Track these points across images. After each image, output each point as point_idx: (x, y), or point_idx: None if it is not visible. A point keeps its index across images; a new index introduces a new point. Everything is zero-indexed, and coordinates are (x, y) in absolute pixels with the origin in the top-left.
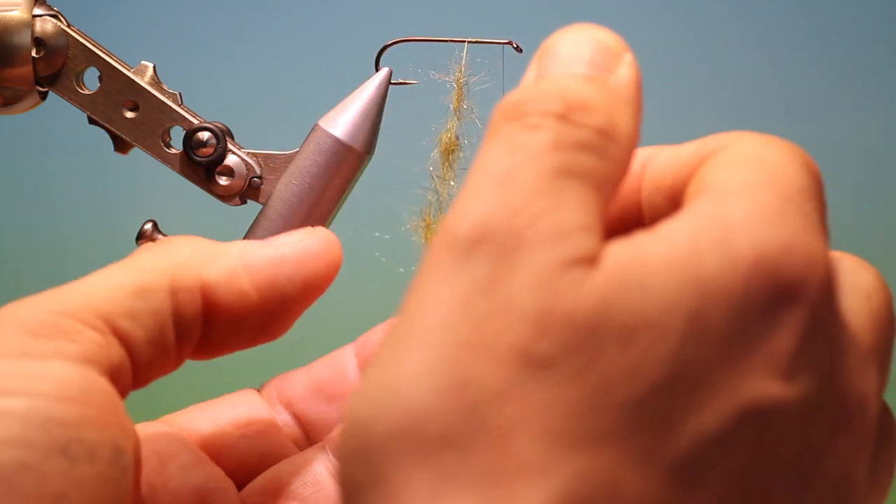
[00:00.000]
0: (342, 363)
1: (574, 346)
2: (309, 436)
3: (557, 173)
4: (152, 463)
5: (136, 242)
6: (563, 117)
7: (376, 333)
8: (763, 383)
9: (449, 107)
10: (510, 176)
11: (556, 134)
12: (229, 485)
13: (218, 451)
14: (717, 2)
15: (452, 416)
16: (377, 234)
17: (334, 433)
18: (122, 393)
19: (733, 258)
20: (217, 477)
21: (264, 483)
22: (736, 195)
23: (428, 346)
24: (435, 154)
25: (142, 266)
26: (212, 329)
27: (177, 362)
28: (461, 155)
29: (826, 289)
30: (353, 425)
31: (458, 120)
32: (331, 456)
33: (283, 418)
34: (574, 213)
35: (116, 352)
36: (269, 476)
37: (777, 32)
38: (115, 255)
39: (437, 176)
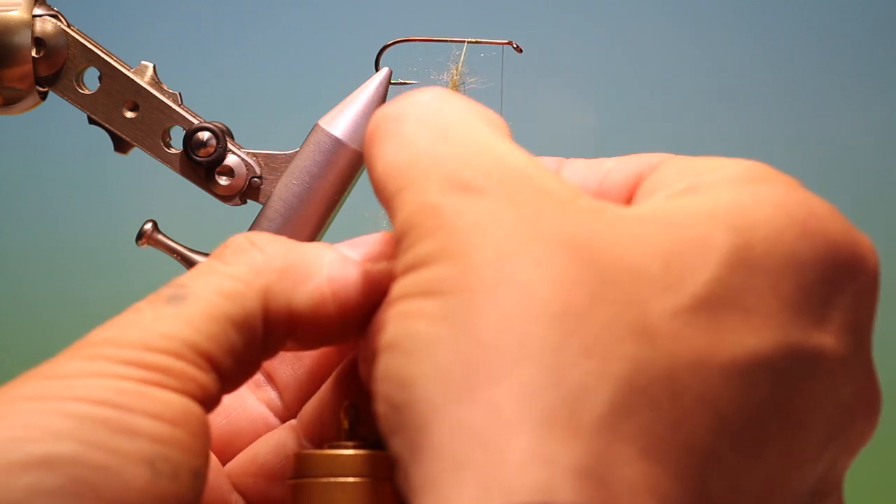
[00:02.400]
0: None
1: (611, 256)
2: (283, 397)
3: (491, 127)
4: None
5: (136, 242)
6: None
7: None
8: (816, 331)
9: None
10: (447, 139)
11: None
12: (215, 461)
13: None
14: (717, 2)
15: (520, 302)
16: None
17: (305, 410)
18: (208, 411)
19: (785, 213)
20: (213, 463)
21: (243, 463)
22: (763, 173)
23: (469, 264)
24: None
25: (237, 290)
26: (285, 343)
27: (254, 373)
28: None
29: (877, 264)
30: (407, 340)
31: None
32: (300, 435)
33: (257, 377)
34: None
35: (213, 384)
36: (246, 456)
37: (777, 32)
38: (115, 255)
39: None
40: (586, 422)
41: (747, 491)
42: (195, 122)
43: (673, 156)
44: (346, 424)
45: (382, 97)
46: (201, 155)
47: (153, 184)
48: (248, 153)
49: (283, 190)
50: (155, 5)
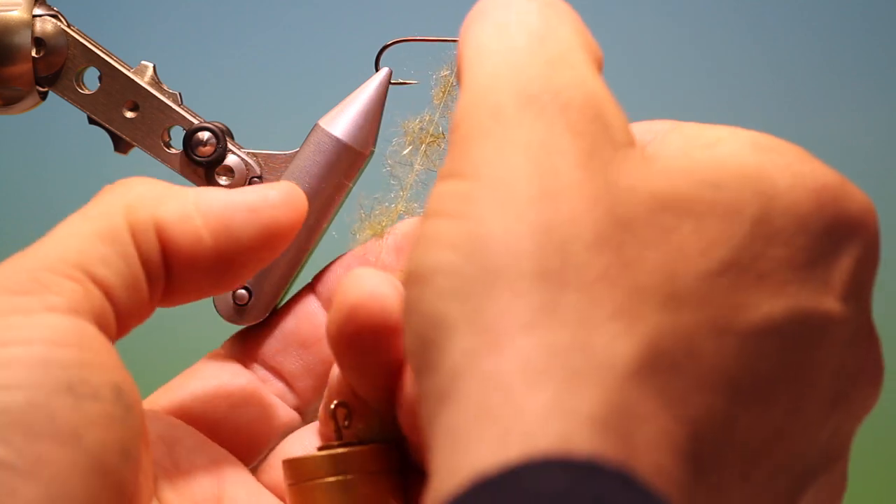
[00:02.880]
0: (306, 309)
1: (648, 212)
2: (293, 387)
3: (585, 53)
4: (160, 448)
5: None
6: None
7: (335, 270)
8: (822, 296)
9: (435, 101)
10: (543, 39)
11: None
12: (238, 463)
13: (209, 428)
14: (717, 2)
15: (546, 255)
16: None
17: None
18: (111, 339)
19: (801, 183)
20: (225, 456)
21: (273, 464)
22: (776, 142)
23: (510, 197)
24: (407, 144)
25: (99, 211)
26: (172, 271)
27: (150, 308)
28: (433, 149)
29: (877, 230)
30: (439, 273)
31: (437, 114)
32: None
33: (261, 373)
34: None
35: (98, 299)
36: (276, 456)
37: (777, 32)
38: None
39: (403, 164)
40: (609, 379)
41: (758, 451)
42: (195, 122)
43: (683, 122)
44: (336, 424)
45: (382, 97)
46: (201, 155)
47: None
48: (248, 153)
49: None
50: (155, 5)
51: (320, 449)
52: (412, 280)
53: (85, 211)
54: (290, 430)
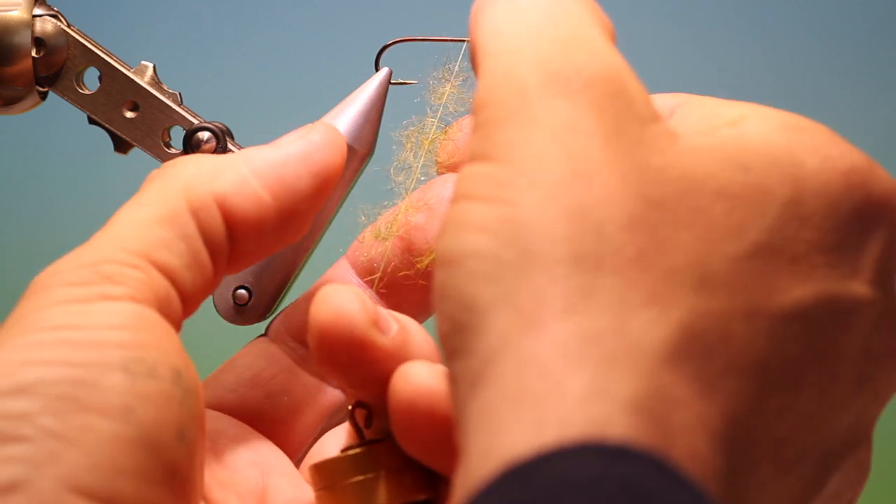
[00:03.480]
0: (339, 279)
1: (679, 193)
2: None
3: (595, 19)
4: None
5: None
6: None
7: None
8: (850, 280)
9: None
10: (557, 17)
11: None
12: (281, 454)
13: (249, 420)
14: (717, 2)
15: (581, 238)
16: None
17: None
18: (175, 323)
19: (831, 165)
20: (268, 447)
21: (314, 455)
22: (803, 121)
23: (542, 180)
24: (409, 146)
25: (155, 196)
26: (237, 240)
27: (216, 281)
28: (434, 151)
29: None
30: (472, 256)
31: (439, 117)
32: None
33: (301, 353)
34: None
35: (162, 285)
36: (316, 450)
37: (777, 32)
38: None
39: (406, 168)
40: (644, 364)
41: (788, 435)
42: (195, 122)
43: (690, 96)
44: (357, 424)
45: (382, 97)
46: None
47: None
48: None
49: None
50: (155, 5)
51: (344, 450)
52: (442, 263)
53: (140, 198)
54: (335, 409)
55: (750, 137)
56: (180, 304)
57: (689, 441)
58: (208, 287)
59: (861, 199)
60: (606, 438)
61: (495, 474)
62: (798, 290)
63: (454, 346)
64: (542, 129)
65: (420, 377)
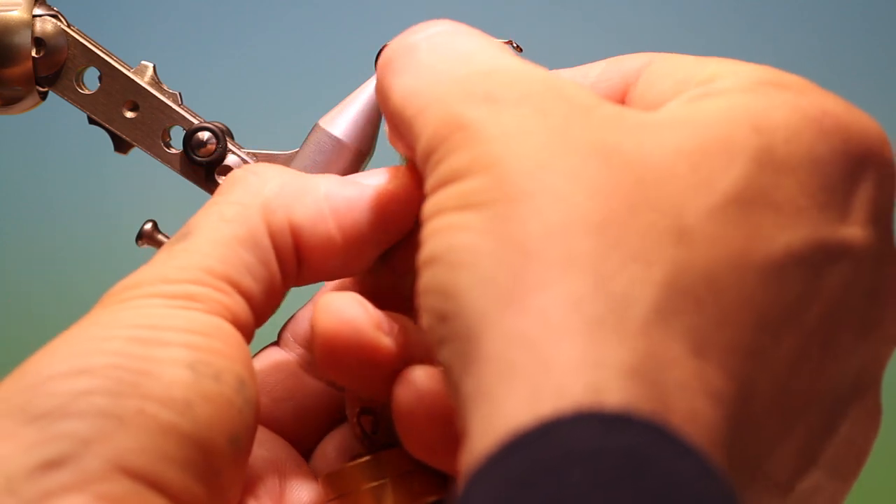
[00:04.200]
0: (345, 285)
1: (641, 158)
2: None
3: (491, 44)
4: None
5: (137, 243)
6: None
7: None
8: (842, 224)
9: None
10: (460, 56)
11: None
12: (297, 455)
13: (259, 420)
14: (717, 2)
15: (551, 212)
16: None
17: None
18: (247, 339)
19: (801, 113)
20: (285, 448)
21: (316, 460)
22: (776, 74)
23: (503, 177)
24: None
25: (236, 213)
26: (302, 267)
27: (282, 299)
28: None
29: (892, 155)
30: (447, 252)
31: None
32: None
33: (308, 358)
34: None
35: (241, 308)
36: (318, 453)
37: (777, 32)
38: (115, 255)
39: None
40: (634, 325)
41: (791, 385)
42: (195, 122)
43: (658, 55)
44: (364, 431)
45: None
46: (201, 155)
47: (153, 184)
48: (248, 153)
49: None
50: (155, 5)
51: (352, 458)
52: (422, 267)
53: (222, 210)
54: (342, 414)
55: (711, 99)
56: (254, 324)
57: (688, 401)
58: (275, 308)
59: (840, 142)
60: (604, 405)
61: (495, 448)
62: (785, 235)
63: (439, 336)
64: (493, 140)
65: (421, 381)
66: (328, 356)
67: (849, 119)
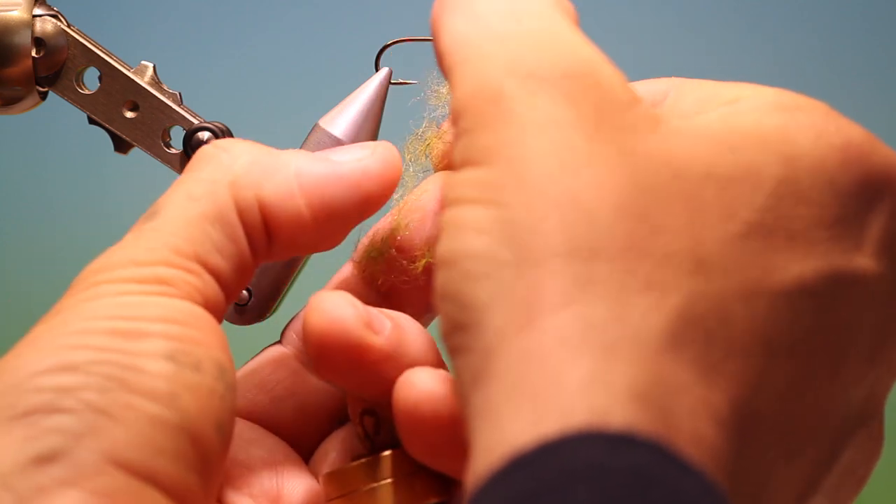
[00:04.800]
0: (347, 282)
1: (667, 178)
2: None
3: (556, 6)
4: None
5: None
6: None
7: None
8: (855, 254)
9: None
10: (519, 14)
11: None
12: (295, 455)
13: (256, 422)
14: (717, 2)
15: (573, 228)
16: None
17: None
18: (219, 320)
19: (826, 141)
20: (282, 448)
21: (317, 459)
22: (800, 99)
23: (529, 177)
24: (410, 149)
25: (204, 190)
26: (272, 244)
27: (251, 275)
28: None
29: None
30: (467, 257)
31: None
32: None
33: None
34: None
35: (212, 287)
36: (319, 453)
37: (777, 32)
38: None
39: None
40: (645, 352)
41: (797, 412)
42: (195, 122)
43: (682, 80)
44: (366, 432)
45: (382, 97)
46: None
47: (153, 184)
48: None
49: None
50: (155, 5)
51: (354, 459)
52: (441, 266)
53: (190, 189)
54: (343, 413)
55: (741, 119)
56: (224, 301)
57: (693, 426)
58: (245, 284)
59: (860, 172)
60: (609, 426)
61: (499, 466)
62: (798, 266)
63: (455, 345)
64: (523, 128)
65: (422, 384)
66: (319, 356)
67: (870, 149)
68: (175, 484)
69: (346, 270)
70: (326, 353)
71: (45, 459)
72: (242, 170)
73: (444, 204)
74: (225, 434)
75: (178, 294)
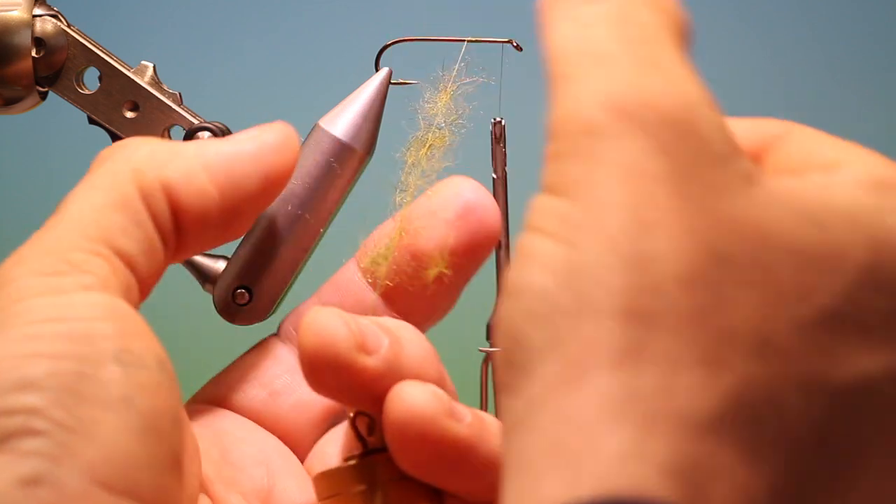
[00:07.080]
0: (348, 281)
1: (748, 248)
2: None
3: (674, 42)
4: (207, 438)
5: None
6: None
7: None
8: None
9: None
10: (627, 33)
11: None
12: (289, 453)
13: (253, 417)
14: (717, 2)
15: (637, 291)
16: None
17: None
18: (135, 308)
19: None
20: (276, 445)
21: (314, 457)
22: None
23: (605, 225)
24: (413, 152)
25: (106, 180)
26: (181, 229)
27: (164, 266)
28: (435, 155)
29: None
30: (530, 293)
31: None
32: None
33: None
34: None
35: (123, 272)
36: (316, 451)
37: (777, 32)
38: None
39: (410, 174)
40: (689, 427)
41: None
42: (195, 122)
43: (797, 127)
44: (359, 434)
45: (382, 97)
46: None
47: None
48: None
49: (283, 190)
50: (155, 5)
51: (346, 459)
52: (507, 294)
53: (92, 180)
54: (340, 409)
55: (835, 191)
56: (138, 291)
57: None
58: (159, 274)
59: None
60: (643, 497)
61: None
62: (865, 361)
63: (505, 382)
64: (609, 170)
65: (413, 399)
66: (310, 375)
67: None
68: (154, 489)
69: (348, 270)
70: (318, 373)
71: (31, 482)
72: (144, 157)
73: (527, 226)
74: (180, 424)
75: (97, 284)
